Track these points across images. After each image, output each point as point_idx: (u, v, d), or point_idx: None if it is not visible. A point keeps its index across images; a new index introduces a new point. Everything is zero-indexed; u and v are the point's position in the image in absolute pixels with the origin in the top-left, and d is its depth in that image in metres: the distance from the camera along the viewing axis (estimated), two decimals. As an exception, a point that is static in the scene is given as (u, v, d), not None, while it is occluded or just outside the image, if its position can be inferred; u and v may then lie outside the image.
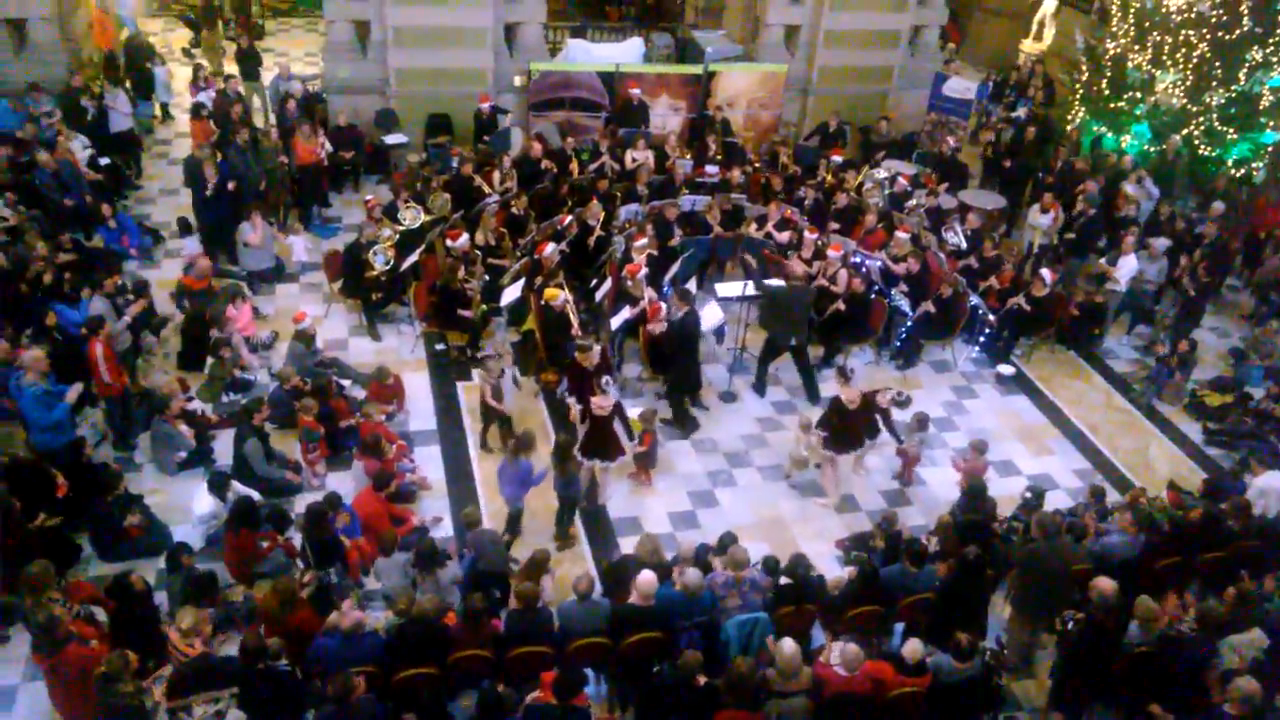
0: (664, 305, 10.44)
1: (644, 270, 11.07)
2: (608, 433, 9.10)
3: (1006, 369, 11.92)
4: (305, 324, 10.40)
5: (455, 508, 9.32)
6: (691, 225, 12.80)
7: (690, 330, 10.37)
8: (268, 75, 16.03)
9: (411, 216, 12.15)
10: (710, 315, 10.96)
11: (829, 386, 10.81)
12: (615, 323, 10.65)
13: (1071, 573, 7.84)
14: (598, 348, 9.59)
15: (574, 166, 13.80)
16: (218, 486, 8.56)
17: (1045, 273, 11.92)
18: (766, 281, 10.96)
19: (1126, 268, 12.26)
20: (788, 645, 6.76)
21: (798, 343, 10.91)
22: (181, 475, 9.29)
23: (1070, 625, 7.50)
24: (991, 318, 11.88)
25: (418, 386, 10.85)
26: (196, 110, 13.99)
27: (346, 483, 9.26)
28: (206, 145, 12.82)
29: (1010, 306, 11.86)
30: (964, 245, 12.73)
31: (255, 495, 8.70)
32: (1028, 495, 9.07)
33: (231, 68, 16.54)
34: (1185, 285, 12.38)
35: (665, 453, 10.27)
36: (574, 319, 10.65)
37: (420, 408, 10.60)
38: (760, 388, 11.16)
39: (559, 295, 10.48)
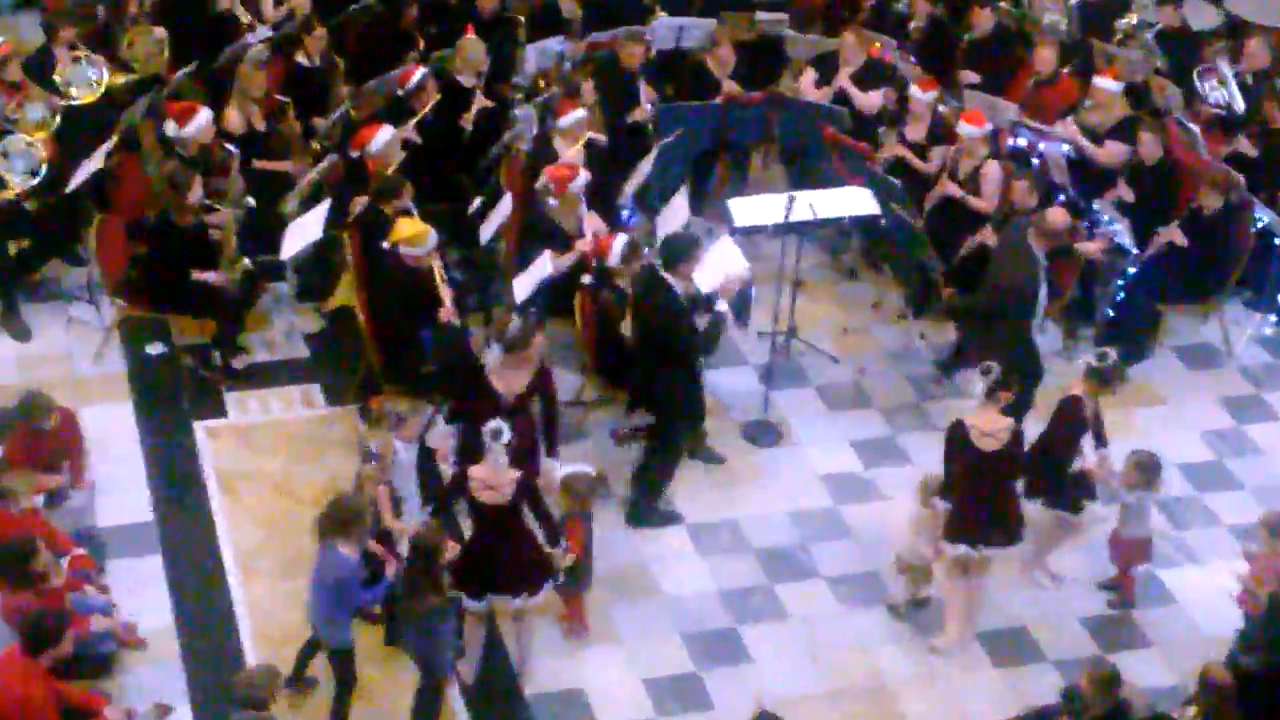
0: (622, 242, 10.58)
1: (582, 176, 11.03)
2: (511, 539, 9.00)
3: (1337, 360, 11.85)
4: None
5: (200, 680, 9.27)
6: (677, 80, 12.81)
7: (667, 303, 10.15)
8: None
9: (86, 77, 12.04)
10: (723, 263, 10.78)
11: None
12: (524, 287, 10.53)
13: None
14: (531, 351, 9.61)
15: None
16: None
17: None
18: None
19: None
20: None
21: (1004, 358, 10.14)
22: None
23: None
24: (1302, 252, 11.61)
25: (112, 434, 10.82)
26: None
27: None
28: None
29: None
30: (1241, 106, 12.68)
31: None
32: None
33: None
34: None
35: (633, 554, 10.24)
36: (443, 284, 10.59)
37: (120, 478, 10.54)
38: None
39: (428, 235, 10.46)
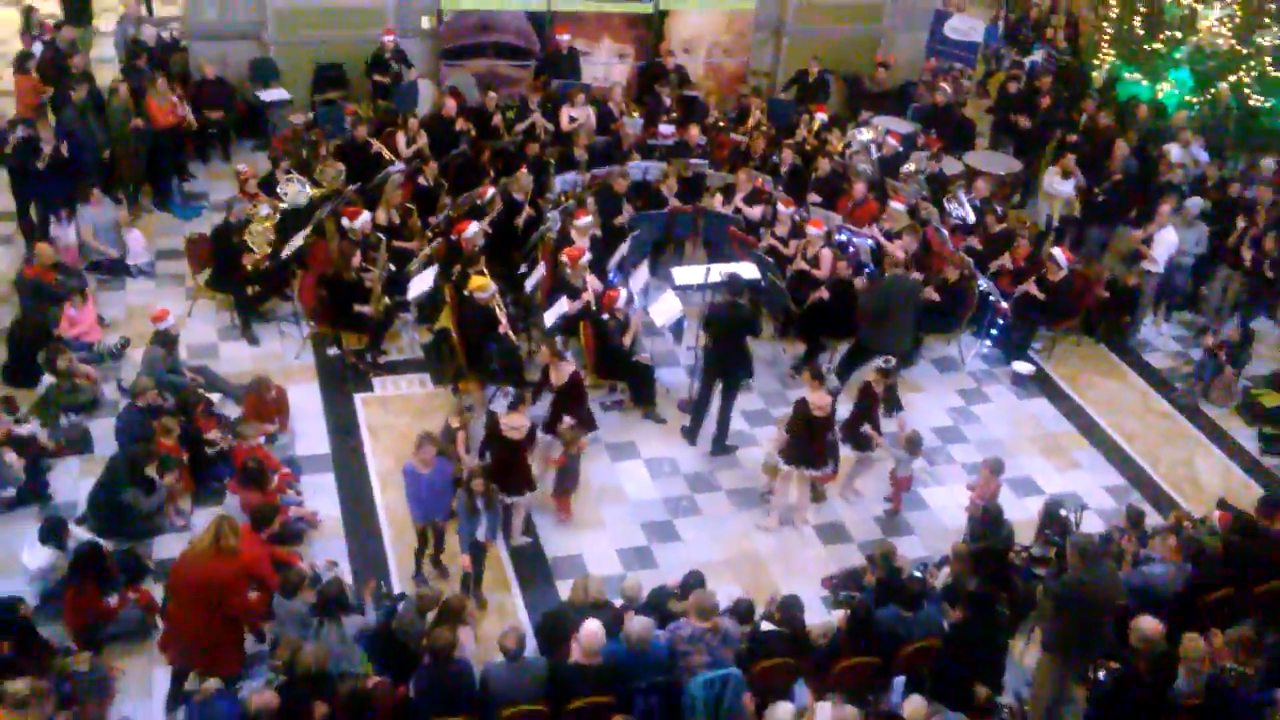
0: (622, 292, 10.85)
1: (586, 255, 11.18)
2: (515, 462, 9.09)
3: (1024, 367, 12.04)
4: (167, 323, 10.37)
5: (354, 547, 9.44)
6: (643, 198, 12.88)
7: (736, 316, 10.31)
8: (109, 18, 15.96)
9: (295, 191, 12.16)
10: (666, 307, 11.05)
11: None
12: (550, 318, 10.77)
13: (1115, 608, 7.78)
14: (569, 365, 9.78)
15: (498, 124, 13.81)
16: (54, 535, 8.38)
17: (1057, 252, 12.05)
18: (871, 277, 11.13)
19: (1165, 243, 12.39)
20: (783, 712, 6.83)
21: (899, 350, 10.88)
22: (9, 515, 9.17)
23: (1103, 675, 7.50)
24: (1004, 305, 11.92)
25: (305, 401, 10.91)
26: (21, 62, 13.77)
27: (217, 520, 8.84)
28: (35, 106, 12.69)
29: (1022, 292, 12.00)
30: (971, 218, 12.86)
31: (100, 541, 8.47)
32: (1062, 514, 9.18)
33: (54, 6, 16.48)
34: (1245, 259, 12.31)
35: (612, 477, 10.37)
36: (501, 315, 10.77)
37: (309, 427, 10.65)
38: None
39: (488, 286, 10.65)
